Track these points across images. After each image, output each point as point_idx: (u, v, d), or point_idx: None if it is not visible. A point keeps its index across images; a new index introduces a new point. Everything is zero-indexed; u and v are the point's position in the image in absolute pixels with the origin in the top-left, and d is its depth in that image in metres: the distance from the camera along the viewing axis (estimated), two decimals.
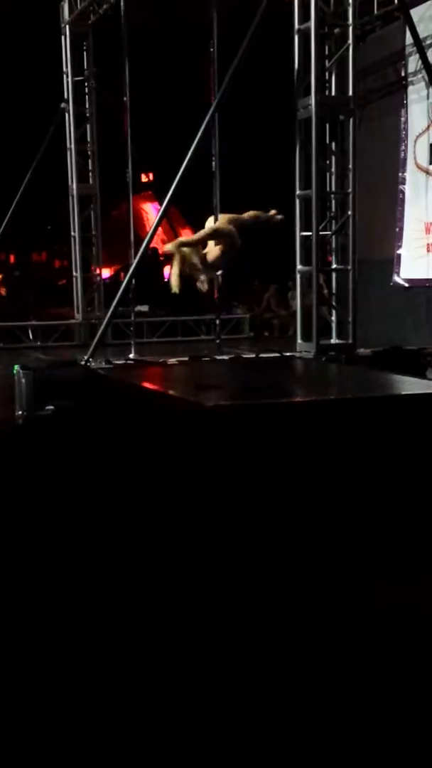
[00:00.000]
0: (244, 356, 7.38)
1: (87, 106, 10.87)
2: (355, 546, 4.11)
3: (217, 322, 7.56)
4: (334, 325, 7.24)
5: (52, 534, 4.45)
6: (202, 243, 7.22)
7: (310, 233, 6.94)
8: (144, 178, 17.43)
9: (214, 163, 7.48)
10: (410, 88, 9.05)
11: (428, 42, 8.30)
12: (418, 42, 7.97)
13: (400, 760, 2.60)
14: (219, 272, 7.45)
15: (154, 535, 4.38)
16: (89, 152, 10.92)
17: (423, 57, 7.94)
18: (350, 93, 7.05)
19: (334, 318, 7.23)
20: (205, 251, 7.20)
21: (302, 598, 3.68)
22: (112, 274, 14.62)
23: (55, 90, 10.84)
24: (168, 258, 7.75)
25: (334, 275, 7.27)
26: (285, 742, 2.68)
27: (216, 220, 7.27)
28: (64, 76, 10.76)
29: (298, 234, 7.13)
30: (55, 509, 4.76)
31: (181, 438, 4.63)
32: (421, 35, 8.09)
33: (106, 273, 13.26)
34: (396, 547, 4.17)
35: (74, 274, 11.08)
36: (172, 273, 7.15)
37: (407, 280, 9.16)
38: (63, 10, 10.67)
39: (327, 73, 7.04)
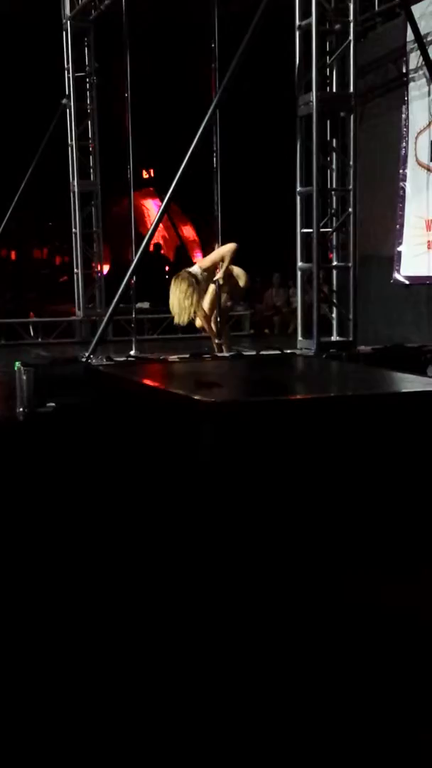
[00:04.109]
0: (245, 353, 7.38)
1: (88, 102, 10.87)
2: (358, 543, 4.12)
3: (218, 320, 7.56)
4: (334, 323, 7.24)
5: (52, 531, 4.46)
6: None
7: (310, 230, 6.94)
8: (145, 175, 17.43)
9: (215, 159, 7.47)
10: (411, 85, 9.04)
11: (429, 38, 8.28)
12: (419, 38, 7.96)
13: (399, 760, 2.61)
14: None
15: (155, 531, 4.39)
16: (90, 148, 10.92)
17: (424, 53, 7.93)
18: (351, 89, 7.04)
19: (334, 315, 7.23)
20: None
21: (305, 596, 3.69)
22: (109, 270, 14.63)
23: (56, 86, 10.84)
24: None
25: (334, 272, 7.27)
26: (283, 740, 2.68)
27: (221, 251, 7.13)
28: (65, 71, 10.75)
29: (299, 231, 7.12)
30: (56, 507, 4.77)
31: (182, 435, 4.64)
32: (422, 32, 8.08)
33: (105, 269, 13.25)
34: (397, 544, 4.18)
35: (75, 270, 11.09)
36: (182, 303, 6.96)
37: (408, 278, 9.16)
38: (64, 6, 10.66)
39: (328, 70, 7.03)
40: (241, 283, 7.19)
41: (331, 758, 2.59)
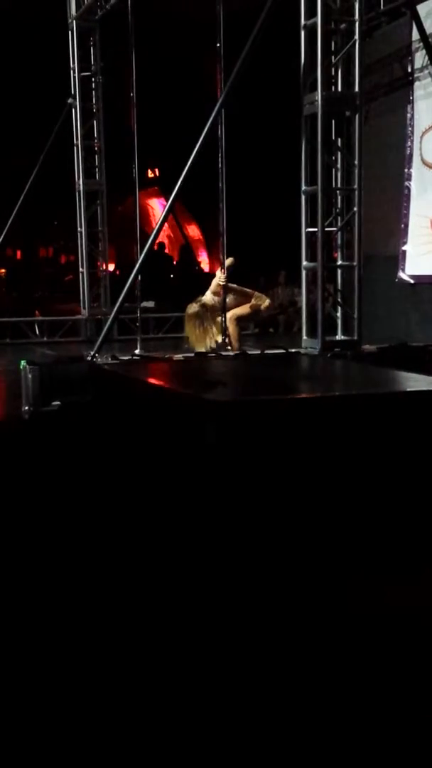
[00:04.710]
0: (250, 352, 7.39)
1: (94, 101, 10.88)
2: (361, 543, 4.12)
3: (222, 318, 7.57)
4: (339, 322, 7.23)
5: (56, 530, 4.47)
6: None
7: (315, 229, 6.94)
8: (150, 174, 17.44)
9: (220, 158, 7.47)
10: (416, 84, 9.04)
11: None
12: (424, 38, 7.97)
13: (399, 760, 2.62)
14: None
15: (159, 530, 4.40)
16: (96, 148, 10.93)
17: (429, 52, 7.93)
18: (356, 89, 7.03)
19: (339, 314, 7.23)
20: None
21: (309, 595, 3.69)
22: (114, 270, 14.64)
23: (62, 85, 10.85)
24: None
25: (339, 271, 7.27)
26: (283, 740, 2.69)
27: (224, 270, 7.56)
28: (71, 71, 10.76)
29: (304, 230, 7.13)
30: (61, 505, 4.78)
31: (187, 433, 4.65)
32: (428, 31, 8.10)
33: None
34: (401, 544, 4.18)
35: (80, 269, 11.10)
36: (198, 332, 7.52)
37: (413, 277, 9.16)
38: (70, 5, 10.67)
39: (333, 69, 7.03)
40: (263, 305, 7.88)
41: (332, 760, 2.60)
